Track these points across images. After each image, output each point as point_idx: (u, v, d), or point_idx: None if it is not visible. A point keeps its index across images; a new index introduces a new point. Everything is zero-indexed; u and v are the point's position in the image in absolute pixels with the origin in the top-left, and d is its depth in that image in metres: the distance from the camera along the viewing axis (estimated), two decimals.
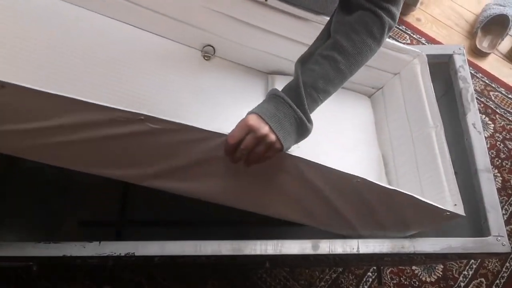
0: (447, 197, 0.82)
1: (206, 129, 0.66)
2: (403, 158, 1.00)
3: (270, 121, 0.64)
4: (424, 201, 0.73)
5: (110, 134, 0.67)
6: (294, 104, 0.66)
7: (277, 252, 0.80)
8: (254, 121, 0.64)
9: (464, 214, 0.76)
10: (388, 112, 1.08)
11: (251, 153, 0.65)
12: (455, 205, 0.80)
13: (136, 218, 1.16)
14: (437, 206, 0.73)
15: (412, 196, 0.72)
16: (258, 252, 0.80)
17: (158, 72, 1.03)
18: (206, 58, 1.10)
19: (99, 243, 0.80)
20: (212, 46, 1.08)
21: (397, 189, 0.72)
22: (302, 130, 0.67)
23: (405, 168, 0.98)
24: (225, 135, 0.66)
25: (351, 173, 0.70)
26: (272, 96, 0.67)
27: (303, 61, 0.71)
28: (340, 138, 1.05)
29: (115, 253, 0.79)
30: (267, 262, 0.88)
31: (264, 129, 0.64)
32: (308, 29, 0.97)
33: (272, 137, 0.64)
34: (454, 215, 0.75)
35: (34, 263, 0.83)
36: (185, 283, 1.25)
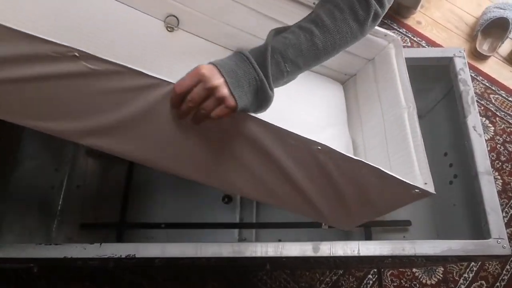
0: (417, 176, 0.78)
1: (152, 74, 0.58)
2: (373, 141, 0.95)
3: (226, 75, 0.57)
4: (390, 175, 0.68)
5: (38, 74, 0.59)
6: (258, 65, 0.60)
7: (278, 254, 0.80)
8: (207, 70, 0.57)
9: (434, 192, 0.72)
10: (359, 98, 1.04)
11: (199, 108, 0.58)
12: (426, 183, 0.75)
13: (137, 220, 1.16)
14: (404, 181, 0.68)
15: (377, 168, 0.67)
16: (258, 254, 0.80)
17: (113, 42, 0.92)
18: (169, 29, 0.99)
19: (100, 244, 0.80)
20: (175, 17, 0.98)
21: (362, 159, 0.67)
22: (262, 95, 0.60)
23: (375, 150, 0.94)
24: (174, 83, 0.59)
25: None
26: (236, 53, 0.61)
27: (279, 30, 0.66)
28: (308, 119, 1.00)
29: (115, 255, 0.79)
30: (268, 264, 0.88)
31: (218, 80, 0.57)
32: (290, 8, 0.90)
33: (225, 91, 0.57)
34: (424, 193, 0.70)
35: (35, 264, 0.84)
36: (185, 284, 1.25)
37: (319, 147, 0.65)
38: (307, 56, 0.64)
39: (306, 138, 0.64)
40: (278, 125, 0.63)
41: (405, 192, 0.71)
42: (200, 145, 0.68)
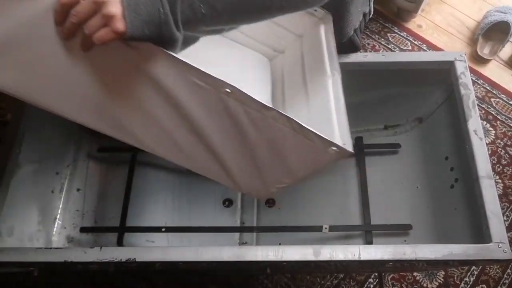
0: (336, 137, 0.74)
1: None
2: (295, 108, 0.92)
3: None
4: (305, 127, 0.62)
5: None
6: None
7: (278, 258, 0.80)
8: None
9: (352, 151, 0.68)
10: (285, 73, 1.01)
11: (83, 27, 0.51)
12: (344, 144, 0.71)
13: (137, 224, 1.16)
14: (320, 136, 0.63)
15: (291, 119, 0.61)
16: (259, 258, 0.80)
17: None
18: None
19: (100, 248, 0.80)
20: None
21: (275, 108, 0.60)
22: (164, 32, 0.53)
23: (297, 117, 0.91)
24: None
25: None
26: None
27: None
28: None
29: (116, 259, 0.79)
30: (268, 268, 0.88)
31: None
32: None
33: (115, 10, 0.49)
34: (342, 152, 0.66)
35: (35, 268, 0.84)
36: (186, 287, 1.25)
37: (228, 89, 0.58)
38: (229, 2, 0.57)
39: (214, 76, 0.57)
40: (183, 59, 0.55)
41: (322, 150, 0.66)
42: (90, 78, 0.58)
